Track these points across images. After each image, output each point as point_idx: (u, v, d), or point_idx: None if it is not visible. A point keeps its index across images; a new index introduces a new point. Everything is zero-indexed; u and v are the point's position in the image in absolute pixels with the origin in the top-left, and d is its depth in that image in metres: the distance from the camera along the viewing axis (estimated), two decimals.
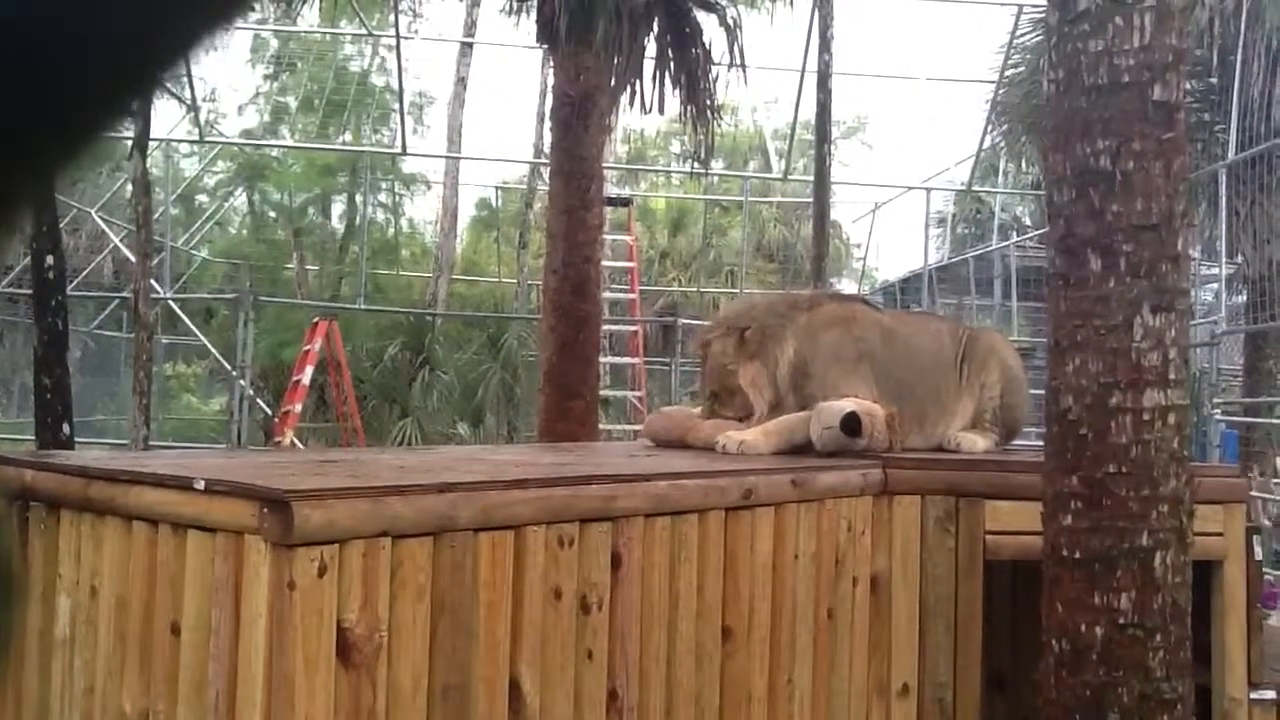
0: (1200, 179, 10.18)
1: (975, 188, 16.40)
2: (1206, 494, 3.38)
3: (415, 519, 2.03)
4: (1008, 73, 13.65)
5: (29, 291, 7.30)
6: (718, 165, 18.52)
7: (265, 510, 1.95)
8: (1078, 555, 2.16)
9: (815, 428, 3.49)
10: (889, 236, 32.10)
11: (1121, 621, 2.09)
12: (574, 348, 5.58)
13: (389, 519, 2.02)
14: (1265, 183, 9.67)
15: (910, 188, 16.39)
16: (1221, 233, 9.91)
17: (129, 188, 8.93)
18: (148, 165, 7.45)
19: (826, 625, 3.13)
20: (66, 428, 6.14)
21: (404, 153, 16.52)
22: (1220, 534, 3.06)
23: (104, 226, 16.70)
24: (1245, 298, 12.06)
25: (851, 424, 3.43)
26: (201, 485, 2.10)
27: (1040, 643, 2.27)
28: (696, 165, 10.09)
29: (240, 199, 21.89)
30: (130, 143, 6.93)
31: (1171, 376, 2.13)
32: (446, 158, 17.71)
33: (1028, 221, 19.25)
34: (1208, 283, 12.15)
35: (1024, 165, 16.20)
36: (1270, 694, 3.60)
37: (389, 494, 2.01)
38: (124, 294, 10.57)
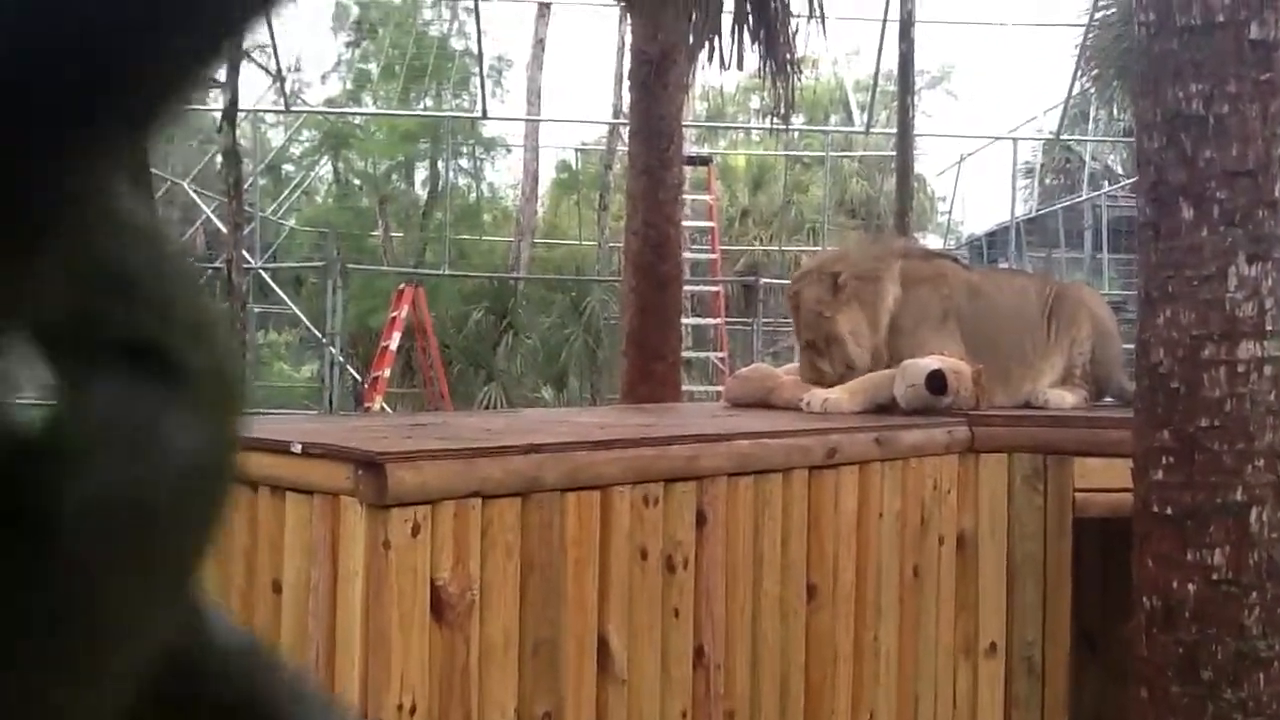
0: None
1: (1064, 136, 15.97)
2: None
3: (504, 480, 2.07)
4: (1097, 16, 13.22)
5: None
6: (798, 120, 18.28)
7: (360, 472, 2.01)
8: (1169, 511, 2.12)
9: (900, 385, 3.47)
10: (975, 189, 31.42)
11: (1215, 578, 2.06)
12: (655, 310, 5.59)
13: (479, 480, 2.06)
14: None
15: (997, 138, 15.99)
16: None
17: (219, 159, 9.17)
18: (236, 136, 7.64)
19: (912, 583, 3.12)
20: None
21: (484, 117, 16.63)
22: None
23: (196, 198, 17.14)
24: None
25: (936, 382, 3.40)
26: (299, 448, 2.17)
27: (1130, 601, 2.25)
28: (777, 121, 9.98)
29: (325, 168, 22.25)
30: (219, 114, 7.11)
31: (1269, 327, 2.07)
32: (526, 120, 17.77)
33: (1119, 170, 18.66)
34: None
35: (1115, 112, 15.68)
36: None
37: (479, 456, 2.06)
38: (217, 265, 10.86)
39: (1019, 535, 3.14)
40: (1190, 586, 2.07)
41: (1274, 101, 2.22)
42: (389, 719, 1.99)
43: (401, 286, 12.91)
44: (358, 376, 14.04)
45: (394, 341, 12.43)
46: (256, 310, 17.65)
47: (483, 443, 2.14)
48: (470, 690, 2.10)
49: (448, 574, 2.04)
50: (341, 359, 13.38)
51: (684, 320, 8.61)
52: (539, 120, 17.46)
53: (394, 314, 12.55)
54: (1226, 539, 2.05)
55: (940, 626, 3.22)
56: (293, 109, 16.54)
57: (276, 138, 21.47)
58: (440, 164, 18.67)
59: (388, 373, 12.32)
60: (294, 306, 15.10)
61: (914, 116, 9.38)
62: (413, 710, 2.01)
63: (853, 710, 2.97)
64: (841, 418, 3.32)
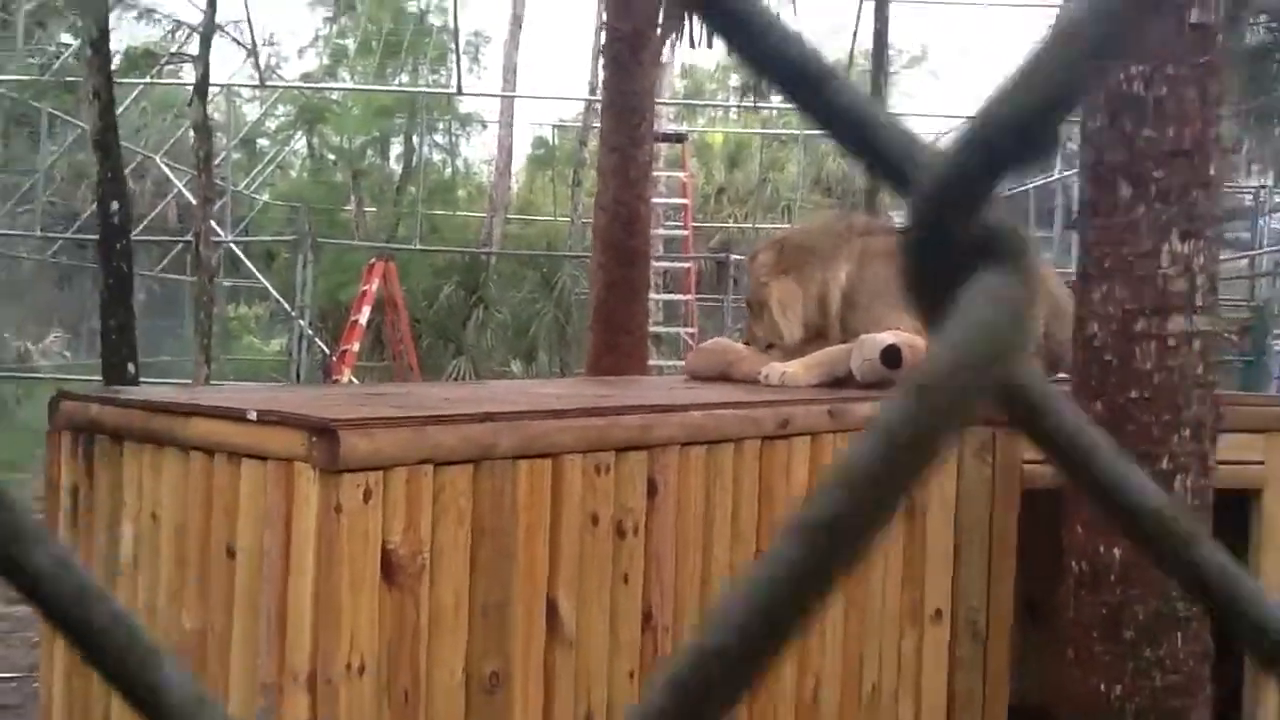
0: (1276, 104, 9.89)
1: None
2: (1246, 422, 3.38)
3: (456, 447, 2.12)
4: None
5: (96, 237, 7.53)
6: (775, 99, 18.29)
7: (313, 439, 2.04)
8: None
9: (856, 359, 3.53)
10: None
11: None
12: (622, 284, 5.63)
13: (431, 447, 2.11)
14: None
15: (972, 118, 16.00)
16: None
17: (191, 133, 9.11)
18: (209, 111, 7.60)
19: None
20: (132, 367, 6.36)
21: (459, 93, 16.56)
22: (1261, 462, 3.06)
23: (168, 172, 17.01)
24: None
25: (891, 356, 3.46)
26: (254, 416, 2.20)
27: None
28: (753, 99, 9.98)
29: (300, 143, 22.11)
30: (191, 88, 7.06)
31: (1198, 303, 2.14)
32: (501, 96, 17.71)
33: None
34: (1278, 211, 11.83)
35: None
36: None
37: (431, 423, 2.10)
38: (187, 238, 10.80)
39: (967, 506, 3.21)
40: (1116, 551, 2.14)
41: (1212, 84, 2.27)
42: (339, 679, 2.04)
43: (373, 261, 12.89)
44: (326, 350, 14.02)
45: (364, 315, 12.41)
46: (227, 284, 17.55)
47: (436, 410, 2.18)
48: (420, 651, 2.15)
49: (399, 538, 2.08)
50: (310, 332, 13.35)
51: (653, 296, 8.63)
52: (514, 96, 17.40)
53: (365, 288, 12.53)
54: None
55: (888, 593, 3.29)
56: (268, 84, 16.40)
57: (252, 112, 21.30)
58: (415, 139, 18.58)
59: (357, 346, 12.31)
60: (264, 280, 15.03)
61: (887, 93, 9.42)
62: (361, 669, 2.06)
63: (799, 674, 3.04)
64: (798, 391, 3.38)
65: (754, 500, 2.82)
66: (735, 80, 26.71)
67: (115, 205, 6.27)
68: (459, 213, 20.03)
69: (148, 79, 14.98)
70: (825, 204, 22.41)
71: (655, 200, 10.82)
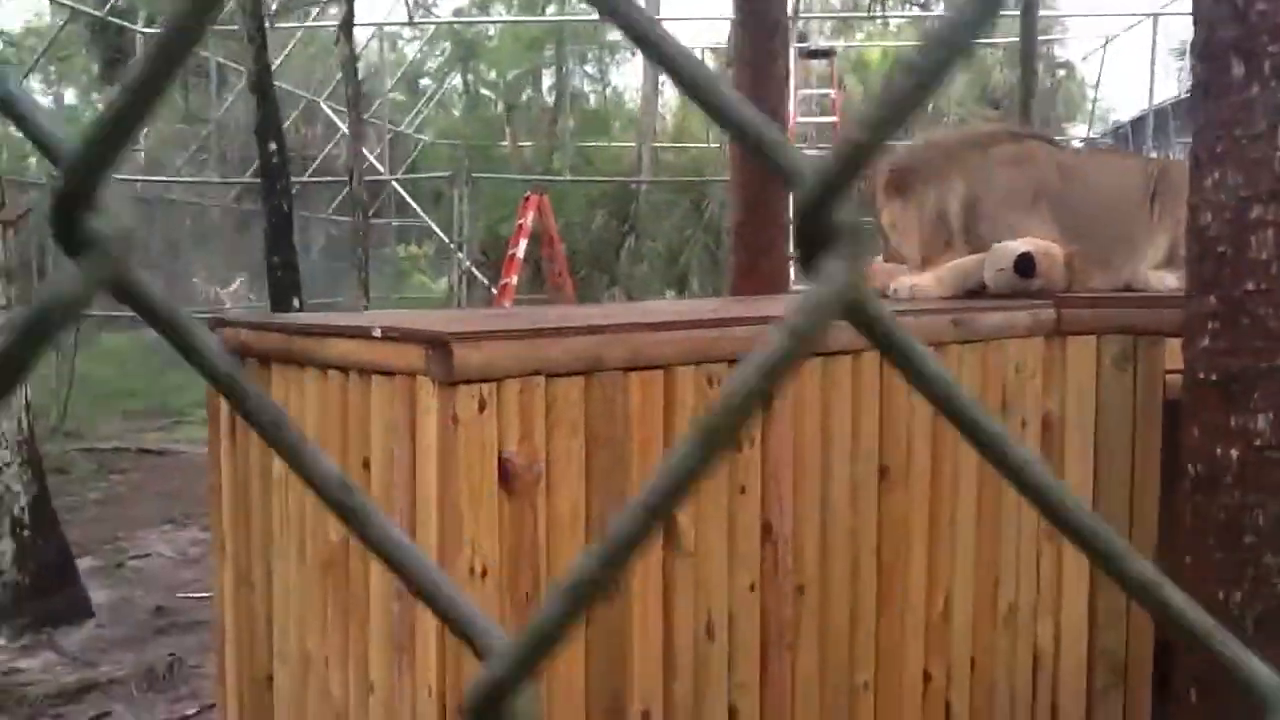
0: None
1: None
2: None
3: (564, 360, 2.18)
4: None
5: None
6: (938, 8, 17.57)
7: (430, 352, 2.14)
8: (1214, 378, 2.08)
9: (989, 270, 3.43)
10: (1128, 73, 29.68)
11: (1258, 444, 2.02)
12: (761, 206, 5.58)
13: (540, 359, 2.18)
14: None
15: (1140, 16, 15.05)
16: None
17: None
18: (366, 52, 7.87)
19: (993, 470, 3.13)
20: (297, 302, 6.70)
21: (601, 18, 16.53)
22: None
23: (333, 116, 17.63)
24: None
25: (1025, 264, 3.35)
26: (378, 333, 2.32)
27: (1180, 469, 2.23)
28: (915, 8, 9.63)
29: (457, 80, 22.51)
30: (336, 26, 7.30)
31: None
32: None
33: None
34: None
35: None
36: None
37: (539, 336, 2.17)
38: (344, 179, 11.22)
39: (1107, 418, 3.11)
40: (1233, 452, 2.03)
41: None
42: (462, 582, 2.16)
43: (527, 194, 13.11)
44: (488, 284, 14.39)
45: (520, 249, 12.68)
46: (395, 224, 18.16)
47: (544, 324, 2.24)
48: (539, 558, 2.24)
49: (515, 448, 2.17)
50: (471, 267, 13.72)
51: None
52: (659, 19, 17.26)
53: (520, 222, 12.78)
54: (1270, 405, 2.00)
55: (1024, 510, 3.22)
56: (416, 21, 16.74)
57: (411, 52, 21.80)
58: (564, 70, 18.70)
59: (515, 280, 12.59)
60: (427, 218, 15.48)
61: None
62: (484, 574, 2.17)
63: (928, 589, 3.02)
64: (926, 302, 3.32)
65: (874, 412, 2.80)
66: None
67: (273, 146, 6.57)
68: (612, 143, 20.10)
69: (303, 22, 15.49)
70: (991, 117, 21.56)
71: (804, 119, 10.61)
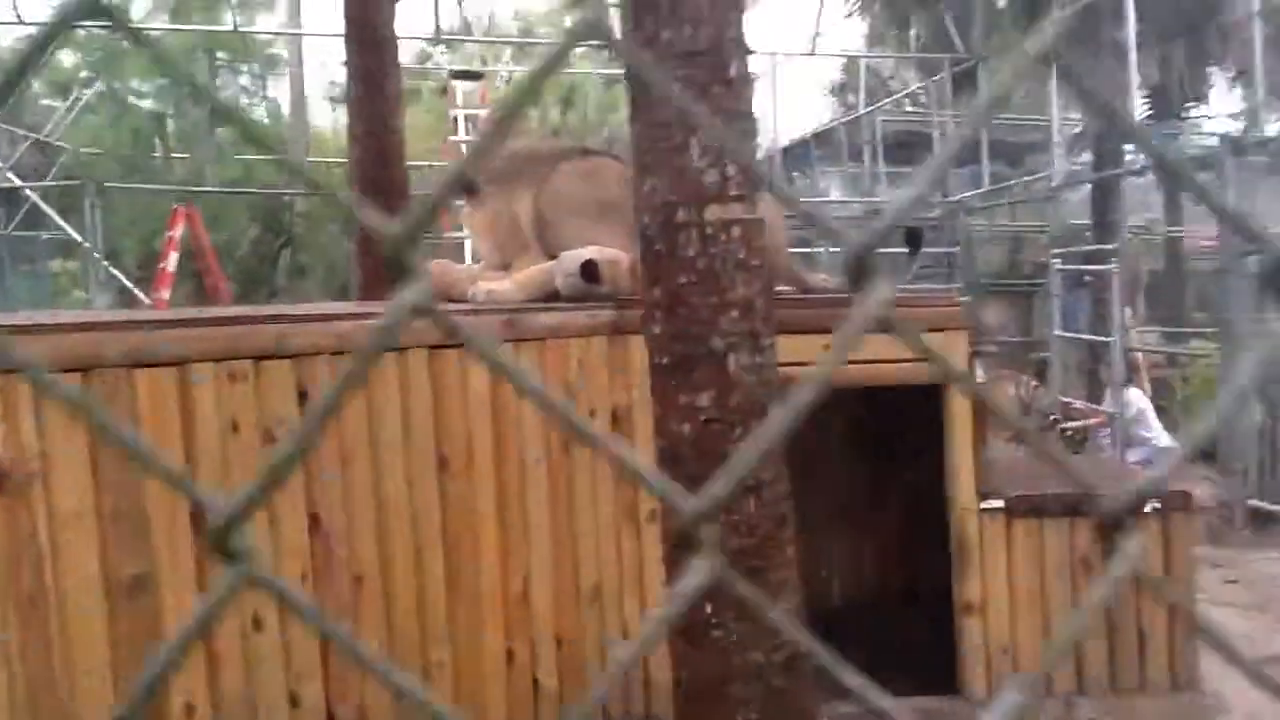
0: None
1: (863, 53, 16.44)
2: (926, 321, 3.63)
3: (55, 357, 2.13)
4: None
5: None
6: (593, 41, 18.04)
7: None
8: (666, 360, 2.34)
9: (559, 276, 3.65)
10: (796, 100, 31.99)
11: (705, 418, 2.29)
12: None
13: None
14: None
15: (788, 54, 16.16)
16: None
17: None
18: None
19: (563, 458, 3.31)
20: None
21: (235, 30, 16.18)
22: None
23: None
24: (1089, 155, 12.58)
25: (589, 271, 3.59)
26: None
27: None
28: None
29: (103, 87, 20.97)
30: None
31: (732, 193, 2.30)
32: (287, 35, 17.26)
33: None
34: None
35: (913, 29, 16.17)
36: (998, 503, 3.93)
37: (26, 333, 2.11)
38: None
39: None
40: (687, 427, 2.29)
41: None
42: None
43: (175, 207, 12.44)
44: (145, 299, 13.48)
45: (171, 262, 12.00)
46: (45, 237, 16.60)
47: (30, 322, 2.18)
48: (42, 557, 2.17)
49: (1, 448, 2.09)
50: (125, 281, 12.86)
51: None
52: (300, 34, 16.96)
53: (170, 234, 12.12)
54: (710, 383, 2.28)
55: (600, 496, 3.43)
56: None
57: (66, 57, 20.10)
58: (215, 81, 17.90)
59: (168, 294, 11.90)
60: (70, 229, 14.30)
61: None
62: None
63: (503, 572, 3.16)
64: (501, 304, 3.48)
65: (428, 409, 2.90)
66: (569, 21, 26.31)
67: None
68: (262, 156, 19.33)
69: None
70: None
71: (454, 138, 10.76)
